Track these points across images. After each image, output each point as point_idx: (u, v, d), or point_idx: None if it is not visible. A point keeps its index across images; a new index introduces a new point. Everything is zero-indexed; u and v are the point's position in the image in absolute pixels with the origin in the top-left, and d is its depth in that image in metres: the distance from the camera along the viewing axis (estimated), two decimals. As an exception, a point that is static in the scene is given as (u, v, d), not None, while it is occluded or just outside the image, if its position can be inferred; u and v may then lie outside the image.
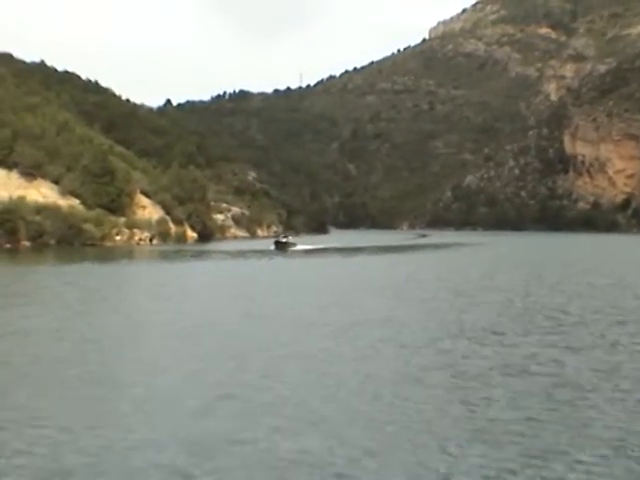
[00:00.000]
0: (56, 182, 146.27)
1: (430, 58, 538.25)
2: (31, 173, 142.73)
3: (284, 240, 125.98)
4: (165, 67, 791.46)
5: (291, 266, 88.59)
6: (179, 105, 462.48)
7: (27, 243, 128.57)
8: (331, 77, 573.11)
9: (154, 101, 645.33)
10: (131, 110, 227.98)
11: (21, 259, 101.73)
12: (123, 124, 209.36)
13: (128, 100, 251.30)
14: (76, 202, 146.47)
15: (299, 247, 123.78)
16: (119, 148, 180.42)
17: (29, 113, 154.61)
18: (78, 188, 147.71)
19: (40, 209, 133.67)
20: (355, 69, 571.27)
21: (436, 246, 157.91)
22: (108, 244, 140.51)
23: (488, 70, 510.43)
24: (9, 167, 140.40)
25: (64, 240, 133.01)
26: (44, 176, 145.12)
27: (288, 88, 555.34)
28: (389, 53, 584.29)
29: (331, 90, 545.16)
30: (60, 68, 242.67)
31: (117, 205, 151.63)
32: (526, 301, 47.47)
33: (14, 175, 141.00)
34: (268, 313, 39.99)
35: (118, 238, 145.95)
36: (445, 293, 52.44)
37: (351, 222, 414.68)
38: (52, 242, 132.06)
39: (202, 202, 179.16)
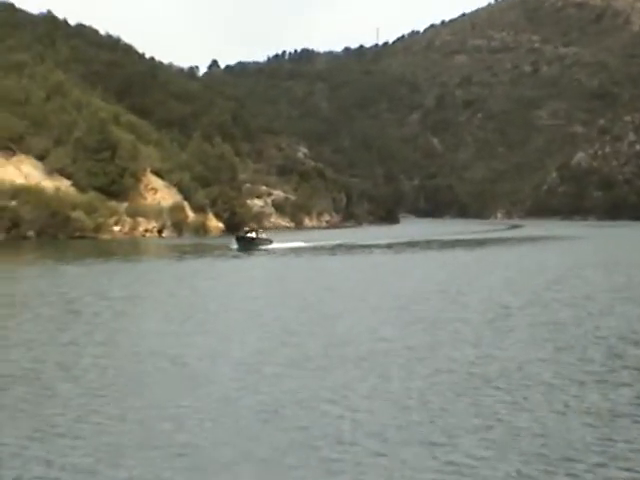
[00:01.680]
0: (41, 158, 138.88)
1: (534, 9, 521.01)
2: (9, 147, 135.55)
3: (250, 235, 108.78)
4: (212, 22, 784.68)
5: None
6: (227, 67, 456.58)
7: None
8: (413, 33, 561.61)
9: (200, 63, 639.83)
10: (150, 70, 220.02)
11: None
12: (140, 88, 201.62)
13: (153, 58, 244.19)
14: (66, 183, 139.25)
15: (276, 245, 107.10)
16: (129, 117, 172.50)
17: (12, 73, 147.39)
18: (69, 166, 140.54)
19: (16, 192, 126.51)
20: (442, 23, 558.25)
21: (519, 240, 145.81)
22: (104, 236, 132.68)
23: (606, 23, 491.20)
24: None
25: (46, 232, 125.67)
26: (26, 151, 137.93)
27: (361, 46, 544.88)
28: (484, 3, 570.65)
29: (413, 49, 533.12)
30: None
31: (118, 188, 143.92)
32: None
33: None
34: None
35: (117, 229, 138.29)
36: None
37: (434, 209, 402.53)
38: (31, 234, 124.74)
39: (231, 184, 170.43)
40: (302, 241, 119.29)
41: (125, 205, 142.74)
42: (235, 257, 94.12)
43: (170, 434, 20.87)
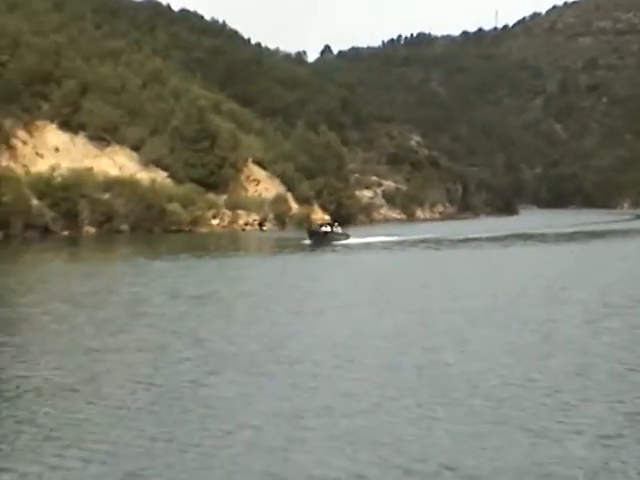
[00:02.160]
0: (136, 149, 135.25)
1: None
2: (103, 137, 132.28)
3: (323, 229, 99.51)
4: (325, 6, 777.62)
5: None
6: (340, 53, 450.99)
7: (91, 229, 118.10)
8: (535, 15, 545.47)
9: (311, 48, 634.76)
10: (255, 56, 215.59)
11: (73, 253, 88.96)
12: (243, 74, 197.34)
13: (259, 44, 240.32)
14: (162, 175, 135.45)
15: (354, 240, 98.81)
16: (231, 105, 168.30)
17: (108, 60, 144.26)
18: (165, 157, 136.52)
19: (110, 184, 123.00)
20: (566, 4, 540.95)
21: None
22: (201, 230, 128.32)
23: None
24: (74, 130, 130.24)
25: (140, 225, 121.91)
26: (121, 141, 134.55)
27: (479, 30, 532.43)
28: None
29: (534, 31, 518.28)
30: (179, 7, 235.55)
31: (217, 179, 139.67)
32: None
33: (80, 140, 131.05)
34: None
35: (215, 222, 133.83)
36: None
37: (557, 199, 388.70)
38: (124, 228, 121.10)
39: (338, 174, 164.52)
40: (387, 235, 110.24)
41: (224, 197, 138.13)
42: (305, 253, 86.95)
43: None
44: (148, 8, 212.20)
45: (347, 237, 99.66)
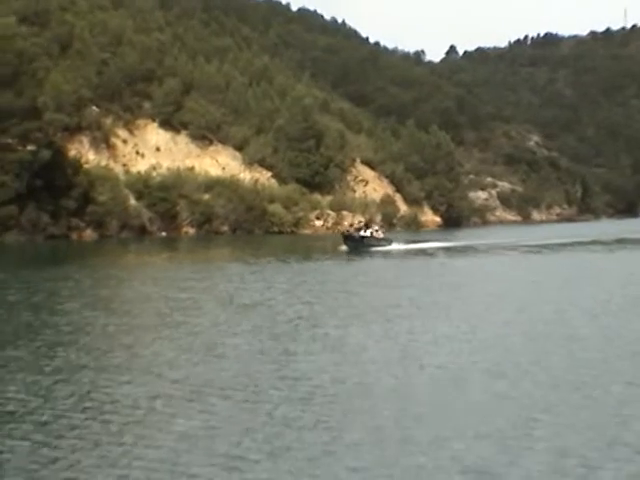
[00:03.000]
0: (240, 148, 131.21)
1: None
2: (205, 136, 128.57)
3: (359, 234, 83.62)
4: (451, 7, 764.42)
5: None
6: (465, 53, 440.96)
7: (190, 230, 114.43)
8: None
9: (436, 49, 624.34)
10: (371, 56, 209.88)
11: (174, 256, 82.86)
12: (358, 74, 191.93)
13: (378, 43, 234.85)
14: (265, 175, 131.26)
15: (396, 246, 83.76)
16: (341, 104, 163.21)
17: (214, 58, 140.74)
18: (270, 156, 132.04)
19: (211, 185, 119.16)
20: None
21: None
22: (304, 232, 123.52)
23: None
24: (175, 129, 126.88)
25: (241, 227, 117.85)
26: (224, 140, 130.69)
27: (607, 29, 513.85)
28: None
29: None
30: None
31: (322, 179, 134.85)
32: None
33: (182, 139, 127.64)
34: None
35: (318, 224, 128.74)
36: None
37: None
38: (224, 229, 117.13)
39: (449, 175, 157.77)
40: (441, 241, 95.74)
41: (329, 198, 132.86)
42: (336, 261, 71.87)
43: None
44: (265, 7, 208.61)
45: (389, 242, 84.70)
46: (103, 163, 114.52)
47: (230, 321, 33.00)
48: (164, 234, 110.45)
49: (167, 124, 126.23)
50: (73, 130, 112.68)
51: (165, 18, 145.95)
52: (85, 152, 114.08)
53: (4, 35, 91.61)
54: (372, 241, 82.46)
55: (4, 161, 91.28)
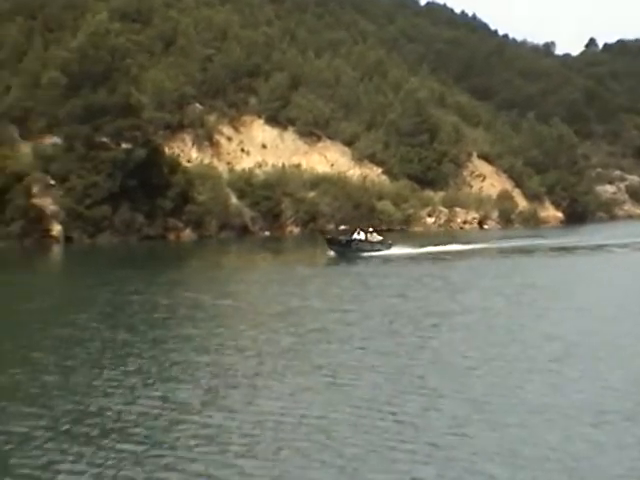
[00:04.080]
0: (349, 144, 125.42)
1: None
2: (313, 133, 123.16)
3: (345, 237, 71.39)
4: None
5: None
6: (605, 46, 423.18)
7: (295, 229, 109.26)
8: None
9: (575, 42, 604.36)
10: (497, 48, 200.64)
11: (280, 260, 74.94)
12: (482, 67, 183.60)
13: (506, 36, 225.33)
14: (376, 171, 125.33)
15: (398, 251, 70.11)
16: (459, 98, 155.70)
17: (326, 52, 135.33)
18: (380, 152, 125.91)
19: (316, 182, 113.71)
20: None
21: None
22: (415, 229, 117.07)
23: None
24: (282, 125, 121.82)
25: (347, 224, 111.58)
26: (333, 136, 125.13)
27: None
28: None
29: None
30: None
31: (435, 175, 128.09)
32: None
33: (289, 135, 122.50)
34: None
35: (430, 220, 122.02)
36: None
37: None
38: (330, 227, 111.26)
39: (572, 168, 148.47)
40: (463, 243, 79.04)
41: (441, 194, 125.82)
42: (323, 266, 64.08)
43: None
44: (390, 1, 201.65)
45: (387, 246, 71.10)
46: (206, 161, 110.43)
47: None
48: (267, 233, 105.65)
49: (273, 120, 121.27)
50: (175, 128, 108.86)
51: (276, 12, 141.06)
52: (187, 150, 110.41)
53: (96, 32, 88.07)
54: (364, 245, 69.38)
55: (97, 160, 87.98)
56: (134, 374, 23.70)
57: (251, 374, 23.70)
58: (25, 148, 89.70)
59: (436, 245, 74.36)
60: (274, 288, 46.04)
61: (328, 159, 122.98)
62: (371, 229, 73.43)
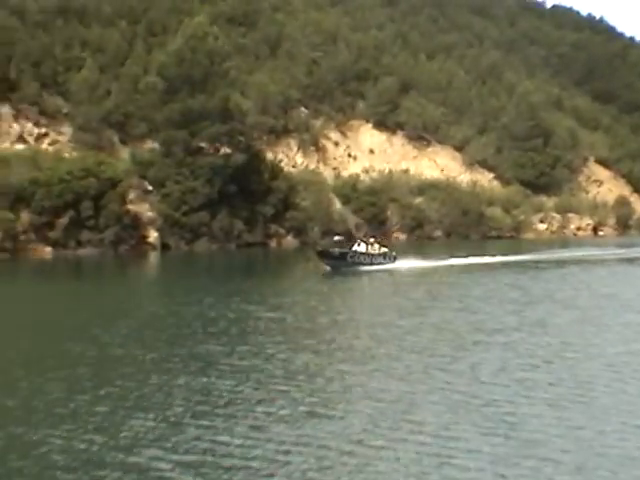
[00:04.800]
0: (460, 149, 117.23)
1: None
2: (423, 137, 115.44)
3: (339, 250, 58.79)
4: None
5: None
6: None
7: (401, 236, 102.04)
8: None
9: None
10: (622, 51, 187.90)
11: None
12: (606, 69, 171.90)
13: (632, 38, 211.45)
14: (487, 176, 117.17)
15: (401, 264, 58.51)
16: (576, 101, 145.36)
17: (439, 56, 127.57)
18: (492, 157, 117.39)
19: (424, 187, 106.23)
20: None
21: None
22: (526, 236, 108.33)
23: None
24: (391, 129, 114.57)
25: (455, 231, 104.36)
26: (443, 141, 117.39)
27: None
28: None
29: None
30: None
31: (548, 180, 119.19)
32: None
33: (398, 140, 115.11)
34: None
35: (542, 227, 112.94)
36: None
37: None
38: (437, 234, 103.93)
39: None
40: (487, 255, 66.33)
41: (554, 200, 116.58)
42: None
43: None
44: (513, 4, 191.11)
45: (391, 259, 59.53)
46: (312, 166, 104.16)
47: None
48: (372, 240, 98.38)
49: (382, 125, 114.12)
50: (280, 133, 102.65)
51: (389, 15, 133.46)
52: (293, 155, 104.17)
53: (194, 35, 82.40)
54: (362, 258, 58.72)
55: (194, 166, 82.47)
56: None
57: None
58: (125, 153, 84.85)
59: (458, 257, 63.70)
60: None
61: (438, 164, 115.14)
62: (372, 239, 61.26)
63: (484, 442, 16.01)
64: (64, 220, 72.95)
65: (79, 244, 74.12)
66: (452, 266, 59.35)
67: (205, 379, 21.52)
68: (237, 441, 15.96)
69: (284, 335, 29.25)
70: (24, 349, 26.65)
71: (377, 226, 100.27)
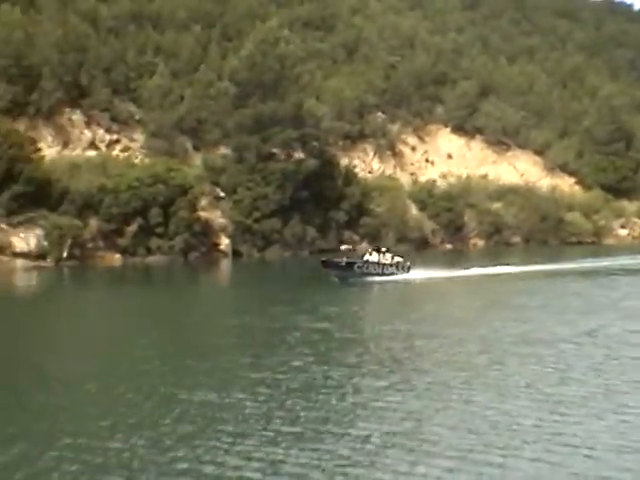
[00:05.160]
0: (540, 153, 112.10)
1: None
2: (502, 141, 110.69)
3: (346, 261, 54.60)
4: None
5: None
6: None
7: (479, 242, 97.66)
8: None
9: None
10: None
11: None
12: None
13: None
14: (568, 181, 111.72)
15: (415, 275, 53.97)
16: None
17: (520, 59, 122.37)
18: (573, 161, 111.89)
19: (502, 192, 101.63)
20: None
21: None
22: (607, 241, 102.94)
23: None
24: (470, 134, 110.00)
25: (534, 237, 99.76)
26: (523, 145, 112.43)
27: None
28: None
29: None
30: None
31: (631, 185, 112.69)
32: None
33: (476, 145, 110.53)
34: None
35: (623, 233, 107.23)
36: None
37: None
38: (516, 240, 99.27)
39: None
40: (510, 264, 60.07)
41: (637, 204, 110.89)
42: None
43: None
44: (602, 6, 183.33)
45: (406, 269, 54.73)
46: (388, 172, 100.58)
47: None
48: (449, 246, 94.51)
49: (460, 129, 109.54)
50: (355, 138, 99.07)
51: (470, 18, 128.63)
52: (369, 161, 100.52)
53: (265, 39, 79.40)
54: (372, 268, 54.02)
55: (265, 172, 79.59)
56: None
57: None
58: (198, 160, 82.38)
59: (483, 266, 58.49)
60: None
61: (517, 169, 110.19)
62: (384, 249, 56.34)
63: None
64: (133, 227, 70.80)
65: (148, 251, 71.75)
66: (478, 276, 55.04)
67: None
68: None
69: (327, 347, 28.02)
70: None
71: (453, 232, 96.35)
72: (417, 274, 54.27)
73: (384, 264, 54.24)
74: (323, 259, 56.21)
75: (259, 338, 30.26)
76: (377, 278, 53.21)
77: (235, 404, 19.52)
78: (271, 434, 16.99)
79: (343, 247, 61.61)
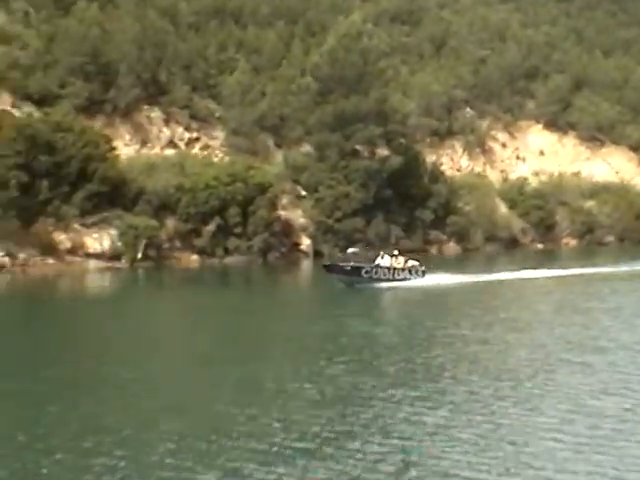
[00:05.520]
0: (636, 149, 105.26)
1: None
2: (596, 137, 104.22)
3: (352, 265, 49.65)
4: None
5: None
6: None
7: (571, 241, 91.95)
8: None
9: None
10: None
11: None
12: None
13: None
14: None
15: (429, 280, 49.37)
16: None
17: (616, 52, 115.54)
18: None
19: (596, 190, 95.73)
20: None
21: None
22: None
23: None
24: (563, 130, 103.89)
25: (629, 236, 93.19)
26: (618, 141, 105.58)
27: None
28: None
29: None
30: None
31: None
32: None
33: (569, 141, 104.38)
34: None
35: None
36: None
37: None
38: (609, 239, 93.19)
39: None
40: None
41: None
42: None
43: None
44: None
45: (420, 275, 50.26)
46: (478, 169, 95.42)
47: None
48: (540, 246, 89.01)
49: (553, 125, 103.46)
50: (444, 134, 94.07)
51: (564, 10, 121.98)
52: (457, 158, 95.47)
53: (348, 34, 75.12)
54: (381, 273, 49.65)
55: (348, 170, 75.30)
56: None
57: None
58: (279, 157, 78.61)
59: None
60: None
61: (612, 166, 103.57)
62: (396, 252, 51.68)
63: None
64: (211, 227, 67.36)
65: (226, 252, 68.25)
66: (500, 281, 50.69)
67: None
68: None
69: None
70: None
71: (544, 231, 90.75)
72: (432, 279, 49.85)
73: (396, 269, 50.08)
74: (326, 263, 52.65)
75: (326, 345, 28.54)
76: (387, 284, 49.16)
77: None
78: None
79: (350, 250, 56.50)
